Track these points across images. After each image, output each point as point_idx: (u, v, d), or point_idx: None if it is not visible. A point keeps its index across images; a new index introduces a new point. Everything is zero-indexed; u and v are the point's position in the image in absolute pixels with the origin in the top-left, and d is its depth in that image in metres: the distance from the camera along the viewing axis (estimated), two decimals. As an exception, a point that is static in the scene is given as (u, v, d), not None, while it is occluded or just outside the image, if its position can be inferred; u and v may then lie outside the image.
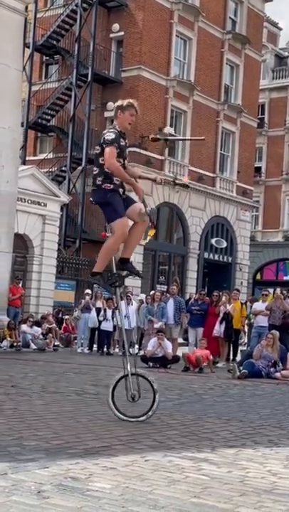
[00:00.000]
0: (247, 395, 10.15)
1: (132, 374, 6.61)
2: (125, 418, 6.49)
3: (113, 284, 6.80)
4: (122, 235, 6.58)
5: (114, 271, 6.79)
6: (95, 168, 6.74)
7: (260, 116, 44.24)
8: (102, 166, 6.58)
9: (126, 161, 6.75)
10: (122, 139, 6.65)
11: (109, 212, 6.62)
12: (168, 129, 31.27)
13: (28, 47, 32.43)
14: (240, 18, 38.36)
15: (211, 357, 15.09)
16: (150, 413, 6.51)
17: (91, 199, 6.84)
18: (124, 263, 6.86)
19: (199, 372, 14.08)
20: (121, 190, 6.66)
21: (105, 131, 6.78)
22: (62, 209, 27.70)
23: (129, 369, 6.59)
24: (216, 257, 37.12)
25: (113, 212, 6.59)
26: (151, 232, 6.59)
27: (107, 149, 6.49)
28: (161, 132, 31.29)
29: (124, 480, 4.19)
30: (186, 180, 7.24)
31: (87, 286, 24.76)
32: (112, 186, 6.58)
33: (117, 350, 20.42)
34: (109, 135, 6.59)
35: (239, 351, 18.20)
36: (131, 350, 7.66)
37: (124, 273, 6.98)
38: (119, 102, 6.80)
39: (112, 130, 6.72)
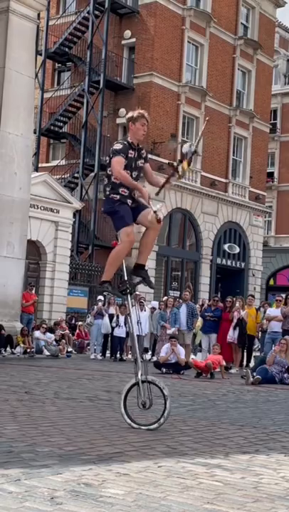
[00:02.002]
0: (260, 401, 10.11)
1: (143, 381, 6.57)
2: (136, 426, 6.47)
3: (124, 291, 6.83)
4: (127, 243, 6.66)
5: (126, 278, 6.82)
6: (105, 179, 6.87)
7: (272, 121, 44.14)
8: (110, 177, 6.75)
9: (136, 172, 6.78)
10: (131, 150, 6.71)
11: (116, 221, 6.75)
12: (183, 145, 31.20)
13: (41, 54, 32.63)
14: (252, 23, 38.37)
15: (224, 362, 15.04)
16: (162, 420, 6.43)
17: (102, 209, 6.94)
18: (138, 269, 6.92)
19: (210, 377, 14.04)
20: (129, 201, 6.72)
21: (115, 143, 6.93)
22: (74, 215, 27.76)
23: (139, 376, 6.56)
24: (229, 263, 37.05)
25: (119, 220, 6.72)
26: (185, 165, 6.43)
27: (114, 159, 6.64)
28: (174, 139, 31.34)
29: (138, 486, 4.18)
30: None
31: (100, 292, 24.77)
32: (118, 197, 6.70)
33: (130, 356, 20.43)
34: (117, 145, 6.76)
35: (253, 357, 18.15)
36: (143, 356, 7.64)
37: (137, 280, 7.00)
38: (129, 114, 6.89)
39: (120, 141, 6.89)
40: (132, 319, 7.12)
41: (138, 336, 7.14)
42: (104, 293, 7.01)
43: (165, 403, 6.43)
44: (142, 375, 6.57)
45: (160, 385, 6.54)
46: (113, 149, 6.73)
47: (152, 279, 32.01)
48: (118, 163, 6.61)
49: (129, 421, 6.51)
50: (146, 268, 7.04)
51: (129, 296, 6.89)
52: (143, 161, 6.86)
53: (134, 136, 6.80)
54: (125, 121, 6.99)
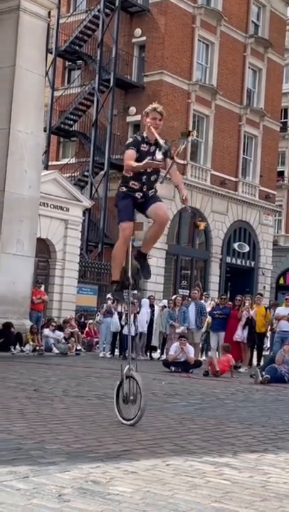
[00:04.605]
0: (269, 400, 10.09)
1: (127, 377, 6.60)
2: (126, 422, 6.49)
3: (124, 287, 6.86)
4: (122, 239, 6.71)
5: (129, 274, 6.83)
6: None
7: (282, 120, 44.01)
8: (123, 171, 6.86)
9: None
10: (145, 144, 6.70)
11: (118, 215, 6.83)
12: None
13: (51, 52, 32.61)
14: (263, 21, 38.28)
15: (233, 362, 15.02)
16: (139, 413, 6.38)
17: None
18: (139, 257, 6.95)
19: (218, 376, 14.02)
20: (138, 194, 6.72)
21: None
22: (84, 214, 27.77)
23: (124, 372, 6.60)
24: (239, 262, 36.99)
25: (118, 215, 6.81)
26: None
27: (125, 153, 6.74)
28: (184, 137, 31.29)
29: (145, 484, 4.18)
30: (202, 226, 7.40)
31: (109, 290, 24.79)
32: (124, 189, 6.76)
33: (140, 354, 20.43)
34: (128, 140, 6.87)
35: (262, 356, 18.12)
36: (133, 354, 7.69)
37: (136, 266, 6.97)
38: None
39: (132, 136, 7.02)
40: (129, 317, 7.16)
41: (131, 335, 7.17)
42: (110, 295, 7.10)
43: (140, 397, 6.39)
44: (129, 370, 6.58)
45: (137, 378, 6.52)
46: (125, 144, 6.87)
47: (162, 278, 32.09)
48: (127, 156, 6.68)
49: (120, 418, 6.57)
50: (147, 258, 7.09)
51: (128, 291, 6.92)
52: (162, 156, 6.83)
53: (147, 130, 6.82)
54: (136, 119, 7.06)
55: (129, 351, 6.96)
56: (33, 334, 18.92)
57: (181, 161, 32.23)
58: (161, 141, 6.53)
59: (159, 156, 6.47)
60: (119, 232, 6.74)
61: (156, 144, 6.76)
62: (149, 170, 6.74)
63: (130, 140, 6.82)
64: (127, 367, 6.61)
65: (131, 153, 6.64)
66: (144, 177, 6.70)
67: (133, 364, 6.64)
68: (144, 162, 6.49)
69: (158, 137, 6.59)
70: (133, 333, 19.53)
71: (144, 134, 6.80)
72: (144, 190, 6.73)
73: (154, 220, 6.83)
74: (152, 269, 32.55)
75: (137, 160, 6.64)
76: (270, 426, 7.19)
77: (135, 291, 21.03)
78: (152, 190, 6.84)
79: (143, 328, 19.92)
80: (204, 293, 22.70)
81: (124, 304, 20.13)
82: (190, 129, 27.79)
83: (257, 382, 12.84)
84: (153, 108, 6.78)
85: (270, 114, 38.10)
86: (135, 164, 6.56)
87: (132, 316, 19.50)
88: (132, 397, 6.53)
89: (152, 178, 6.78)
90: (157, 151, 6.54)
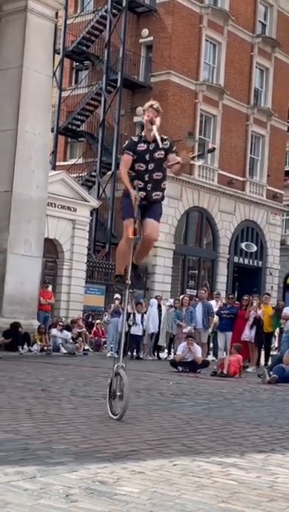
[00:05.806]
0: (277, 400, 10.07)
1: (115, 374, 6.74)
2: (114, 417, 6.64)
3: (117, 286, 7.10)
4: (125, 236, 6.78)
5: (129, 274, 6.89)
6: None
7: (290, 119, 43.91)
8: None
9: (152, 164, 6.76)
10: (143, 144, 6.71)
11: (121, 212, 6.95)
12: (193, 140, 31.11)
13: (59, 53, 32.67)
14: (270, 21, 38.22)
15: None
16: (118, 416, 6.56)
17: None
18: (133, 268, 6.96)
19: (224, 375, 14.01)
20: (142, 193, 6.75)
21: None
22: (91, 214, 27.80)
23: (114, 369, 6.75)
24: (246, 262, 36.95)
25: (121, 213, 6.90)
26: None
27: (122, 157, 6.85)
28: (191, 137, 31.30)
29: (152, 484, 4.18)
30: (212, 145, 7.52)
31: (117, 291, 24.82)
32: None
33: (146, 354, 20.44)
34: (125, 143, 6.94)
35: (270, 356, 18.08)
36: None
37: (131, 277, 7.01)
38: None
39: (130, 138, 7.06)
40: (123, 315, 7.23)
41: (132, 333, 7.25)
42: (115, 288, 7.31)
43: (122, 399, 6.57)
44: (117, 367, 6.71)
45: (124, 379, 6.61)
46: (122, 147, 6.92)
47: (169, 278, 32.05)
48: (122, 161, 6.77)
49: (109, 412, 6.75)
50: (137, 268, 7.09)
51: (124, 291, 7.02)
52: (163, 152, 6.82)
53: (145, 128, 6.82)
54: (142, 120, 7.09)
55: (121, 349, 7.01)
56: (40, 334, 18.96)
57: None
58: (158, 137, 6.59)
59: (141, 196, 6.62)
60: (125, 230, 6.80)
61: (156, 142, 6.77)
62: (150, 167, 6.75)
63: (126, 143, 6.87)
64: (116, 365, 6.75)
65: (126, 158, 6.71)
66: (147, 175, 6.71)
67: (124, 361, 6.80)
68: (129, 188, 6.58)
69: (156, 133, 6.61)
70: (140, 333, 19.59)
71: (142, 134, 6.80)
72: (148, 189, 6.73)
73: (142, 236, 6.86)
74: (160, 268, 32.66)
75: (135, 161, 6.70)
76: (278, 426, 7.18)
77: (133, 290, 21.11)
78: (157, 194, 6.81)
79: (155, 328, 19.91)
80: (215, 292, 22.68)
81: (132, 304, 20.19)
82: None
83: (264, 382, 12.82)
84: (149, 105, 6.80)
85: (277, 114, 38.05)
86: (123, 178, 6.68)
87: (139, 316, 19.57)
88: (118, 393, 6.67)
89: (156, 177, 6.77)
90: (137, 192, 6.62)
